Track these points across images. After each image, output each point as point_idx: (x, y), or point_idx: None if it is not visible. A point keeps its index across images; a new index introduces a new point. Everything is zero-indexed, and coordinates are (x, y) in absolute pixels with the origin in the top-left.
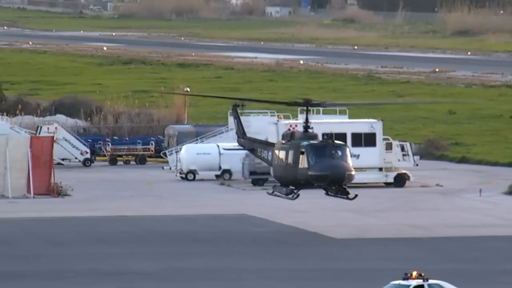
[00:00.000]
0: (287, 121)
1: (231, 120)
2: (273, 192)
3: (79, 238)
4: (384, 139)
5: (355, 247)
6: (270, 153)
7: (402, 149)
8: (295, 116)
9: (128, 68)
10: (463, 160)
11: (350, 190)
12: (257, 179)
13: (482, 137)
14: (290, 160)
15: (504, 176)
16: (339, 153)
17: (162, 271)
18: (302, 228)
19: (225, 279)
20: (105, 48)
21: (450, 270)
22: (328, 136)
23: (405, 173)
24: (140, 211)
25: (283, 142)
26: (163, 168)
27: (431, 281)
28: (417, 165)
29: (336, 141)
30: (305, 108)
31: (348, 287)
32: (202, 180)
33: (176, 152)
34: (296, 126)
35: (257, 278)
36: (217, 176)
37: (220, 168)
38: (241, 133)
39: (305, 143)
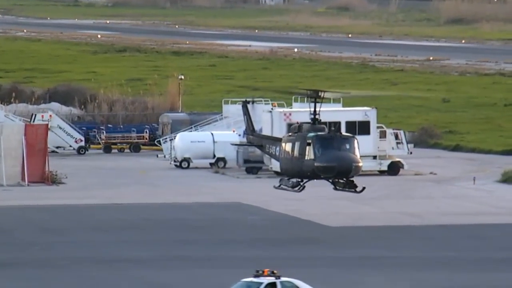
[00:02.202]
0: (281, 109)
1: (225, 108)
2: (279, 185)
3: (73, 226)
4: (378, 127)
5: (349, 235)
6: (278, 148)
7: (396, 137)
8: (289, 104)
9: (122, 56)
10: (457, 148)
11: (357, 183)
12: (251, 167)
13: (476, 125)
14: (296, 152)
15: (498, 164)
16: (347, 144)
17: (157, 259)
18: (296, 216)
19: (219, 266)
20: (99, 36)
21: (443, 258)
22: (336, 128)
23: (399, 161)
24: (134, 199)
25: (290, 134)
26: (157, 156)
27: (283, 279)
28: (411, 153)
29: (344, 133)
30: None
31: (341, 274)
32: (196, 168)
33: (170, 140)
34: (290, 114)
35: (252, 266)
36: (211, 164)
37: (214, 156)
38: (250, 130)
39: (311, 134)
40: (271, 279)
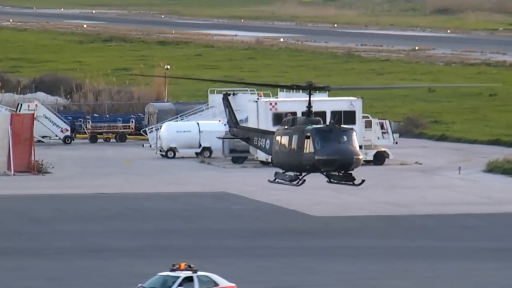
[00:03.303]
0: (267, 99)
1: (211, 98)
2: (275, 179)
3: (59, 216)
4: (363, 117)
5: (334, 224)
6: (268, 141)
7: (382, 127)
8: (275, 94)
9: (108, 46)
10: (442, 138)
11: (356, 176)
12: (237, 157)
13: (461, 115)
14: (294, 145)
15: (483, 154)
16: (346, 137)
17: (142, 248)
18: (281, 206)
19: (204, 256)
20: (85, 26)
21: (429, 248)
22: (335, 120)
23: (384, 151)
24: (120, 188)
25: (286, 127)
26: (143, 145)
27: (200, 273)
28: (396, 143)
29: (343, 125)
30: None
31: (326, 264)
32: (182, 157)
33: (156, 129)
34: (276, 104)
35: (237, 255)
36: (197, 154)
37: (200, 146)
38: (233, 122)
39: (310, 127)
40: (188, 273)
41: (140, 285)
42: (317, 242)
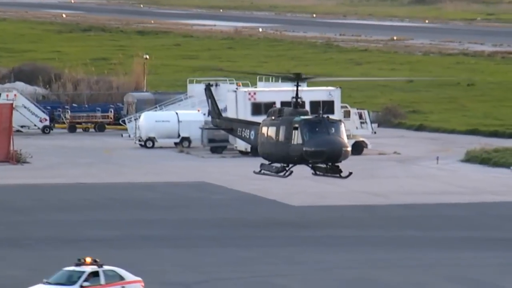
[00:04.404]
0: (246, 89)
1: (190, 87)
2: (260, 170)
3: (38, 205)
4: (342, 107)
5: (312, 214)
6: (253, 132)
7: (360, 116)
8: (254, 84)
9: (87, 36)
10: (420, 128)
11: (343, 168)
12: (216, 146)
13: (439, 105)
14: (281, 136)
15: (461, 143)
16: (334, 129)
17: (122, 238)
18: (260, 195)
19: (183, 245)
20: (64, 16)
21: (407, 237)
22: (323, 112)
23: (362, 141)
24: (99, 178)
25: (272, 118)
26: (122, 135)
27: (105, 267)
28: (375, 132)
29: (331, 117)
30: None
31: (305, 253)
32: (161, 147)
33: (135, 119)
34: (255, 93)
35: (216, 246)
36: (176, 143)
37: (179, 135)
38: (215, 113)
39: (298, 118)
40: (94, 267)
41: (45, 280)
42: (296, 231)
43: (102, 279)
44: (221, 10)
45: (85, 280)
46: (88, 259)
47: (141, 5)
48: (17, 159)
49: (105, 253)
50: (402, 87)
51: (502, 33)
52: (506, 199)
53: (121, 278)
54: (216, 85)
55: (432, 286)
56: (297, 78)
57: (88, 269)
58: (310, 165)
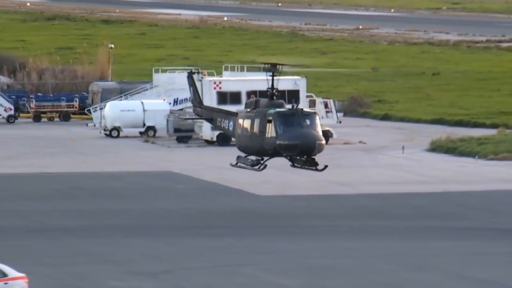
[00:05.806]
0: (211, 78)
1: (155, 77)
2: (237, 163)
3: (3, 195)
4: (307, 96)
5: (279, 204)
6: (231, 123)
7: (326, 106)
8: (219, 73)
9: (52, 25)
10: (386, 117)
11: (319, 161)
12: (182, 136)
13: (404, 94)
14: (256, 129)
15: (427, 133)
16: (309, 121)
17: (88, 228)
18: (226, 185)
19: (149, 235)
20: (28, 4)
21: (373, 227)
22: (296, 104)
23: (328, 130)
24: (65, 168)
25: (248, 110)
26: (87, 125)
27: None
28: (340, 122)
29: (305, 109)
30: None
31: (271, 243)
32: (126, 137)
33: (100, 109)
34: (220, 83)
35: (182, 235)
36: (141, 133)
37: (144, 125)
38: (197, 102)
39: (272, 111)
40: None
41: None
42: (262, 221)
43: None
44: None
45: None
46: None
47: None
48: None
49: (72, 242)
50: (368, 77)
51: (467, 22)
52: (471, 188)
53: (4, 274)
54: (199, 72)
55: (397, 275)
56: (272, 69)
57: None
58: (288, 158)
